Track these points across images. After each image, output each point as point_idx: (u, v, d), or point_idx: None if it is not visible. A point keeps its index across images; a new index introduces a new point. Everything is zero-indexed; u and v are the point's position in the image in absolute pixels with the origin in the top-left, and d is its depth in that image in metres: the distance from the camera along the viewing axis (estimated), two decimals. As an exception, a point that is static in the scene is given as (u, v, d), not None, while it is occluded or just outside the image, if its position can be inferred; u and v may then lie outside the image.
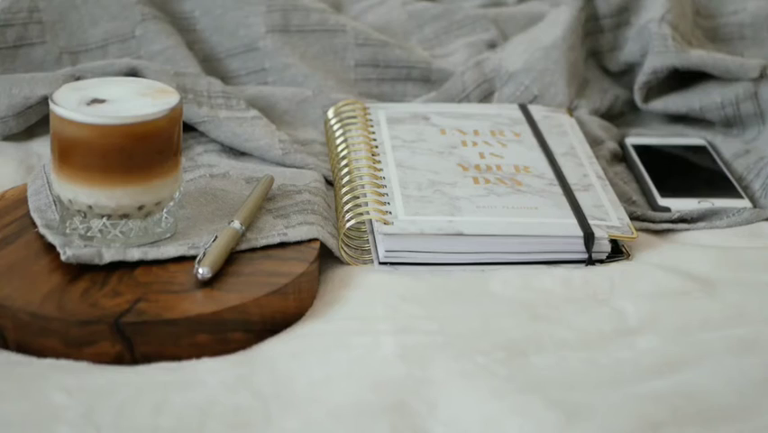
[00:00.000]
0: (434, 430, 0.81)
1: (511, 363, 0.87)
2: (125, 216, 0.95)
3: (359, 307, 0.94)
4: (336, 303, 0.95)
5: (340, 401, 0.83)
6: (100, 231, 0.95)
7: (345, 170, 1.08)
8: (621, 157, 1.22)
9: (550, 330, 0.92)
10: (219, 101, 1.19)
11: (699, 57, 1.24)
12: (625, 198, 1.12)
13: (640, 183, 1.17)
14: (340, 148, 1.13)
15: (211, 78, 1.22)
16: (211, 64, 1.29)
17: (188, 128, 1.17)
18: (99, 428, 0.80)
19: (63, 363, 0.87)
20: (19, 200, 1.02)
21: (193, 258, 0.95)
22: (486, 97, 1.27)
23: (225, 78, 1.28)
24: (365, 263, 1.00)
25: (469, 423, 0.81)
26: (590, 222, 1.01)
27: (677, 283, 0.98)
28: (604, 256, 1.01)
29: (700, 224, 1.09)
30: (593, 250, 1.01)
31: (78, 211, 0.95)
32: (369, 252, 1.01)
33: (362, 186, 1.05)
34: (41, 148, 1.16)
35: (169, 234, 0.97)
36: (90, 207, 0.94)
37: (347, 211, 1.02)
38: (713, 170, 1.18)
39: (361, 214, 1.01)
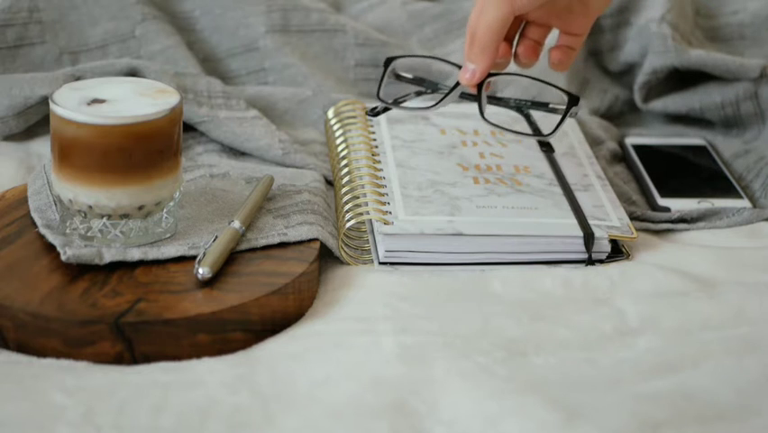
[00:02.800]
0: (434, 430, 0.81)
1: (511, 363, 0.87)
2: (125, 216, 0.95)
3: (359, 307, 0.94)
4: (336, 303, 0.95)
5: (340, 401, 0.83)
6: (100, 231, 0.95)
7: (345, 170, 1.08)
8: (621, 157, 1.22)
9: (550, 330, 0.92)
10: (219, 101, 1.19)
11: (698, 57, 1.24)
12: (625, 198, 1.12)
13: (640, 183, 1.17)
14: (340, 148, 1.13)
15: (211, 78, 1.22)
16: (211, 64, 1.29)
17: (188, 128, 1.17)
18: (99, 428, 0.80)
19: (63, 363, 0.87)
20: (19, 200, 1.02)
21: (193, 258, 0.95)
22: (486, 97, 1.27)
23: (225, 78, 1.28)
24: (365, 263, 1.00)
25: (469, 423, 0.81)
26: (590, 222, 1.02)
27: (677, 283, 0.98)
28: (604, 256, 1.01)
29: (700, 224, 1.09)
30: (593, 250, 1.01)
31: (79, 211, 0.95)
32: (369, 252, 1.01)
33: (362, 186, 1.05)
34: (41, 148, 1.16)
35: (169, 235, 0.97)
36: (90, 207, 0.94)
37: (347, 211, 1.02)
38: (713, 170, 1.18)
39: (361, 214, 1.01)
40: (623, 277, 0.99)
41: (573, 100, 1.02)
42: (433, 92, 1.09)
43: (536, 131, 1.02)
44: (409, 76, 1.11)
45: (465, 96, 1.06)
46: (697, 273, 1.00)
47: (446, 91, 1.05)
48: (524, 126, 1.18)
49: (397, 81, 1.18)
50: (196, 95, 1.18)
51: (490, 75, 1.03)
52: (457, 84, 1.04)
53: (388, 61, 1.09)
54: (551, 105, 1.06)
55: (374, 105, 1.08)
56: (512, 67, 1.07)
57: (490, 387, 0.84)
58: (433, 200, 1.03)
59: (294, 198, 1.04)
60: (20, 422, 0.80)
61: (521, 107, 1.06)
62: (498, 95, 1.07)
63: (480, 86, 1.03)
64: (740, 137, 1.25)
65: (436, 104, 1.05)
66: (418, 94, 1.09)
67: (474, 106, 1.23)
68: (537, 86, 1.25)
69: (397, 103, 1.07)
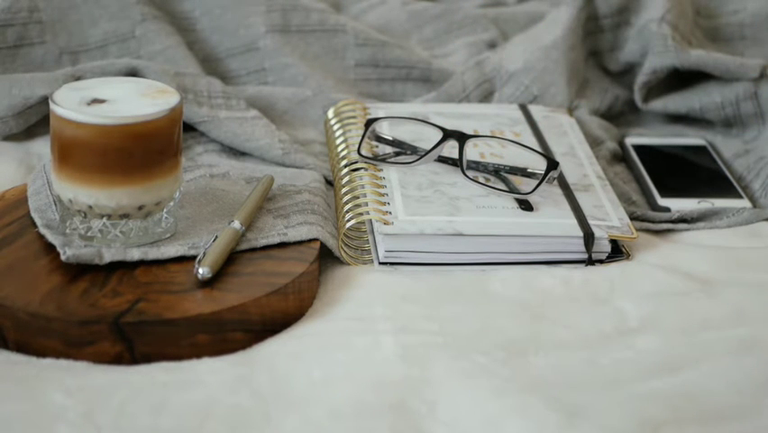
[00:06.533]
0: (434, 430, 0.81)
1: (511, 363, 0.87)
2: (125, 216, 0.95)
3: (359, 307, 0.94)
4: (336, 303, 0.95)
5: (340, 401, 0.83)
6: (100, 231, 0.95)
7: (345, 170, 1.08)
8: (621, 157, 1.22)
9: (550, 330, 0.92)
10: (219, 101, 1.19)
11: (698, 57, 1.24)
12: (625, 198, 1.12)
13: (640, 183, 1.17)
14: (340, 148, 1.13)
15: (211, 78, 1.22)
16: (211, 64, 1.29)
17: (188, 128, 1.17)
18: (99, 428, 0.80)
19: (63, 363, 0.87)
20: (19, 200, 1.02)
21: (193, 258, 0.95)
22: (486, 97, 1.27)
23: (225, 78, 1.28)
24: (365, 263, 1.00)
25: (469, 423, 0.81)
26: (590, 222, 1.02)
27: (677, 283, 0.98)
28: (604, 256, 1.01)
29: (700, 224, 1.09)
30: (593, 250, 1.01)
31: (78, 211, 0.95)
32: (369, 252, 1.01)
33: (362, 186, 1.05)
34: (41, 148, 1.16)
35: (169, 234, 0.97)
36: (90, 207, 0.94)
37: (347, 211, 1.02)
38: (713, 170, 1.18)
39: (361, 214, 1.01)
40: (623, 277, 0.99)
41: (552, 165, 1.03)
42: (411, 153, 1.10)
43: (514, 189, 1.04)
44: (389, 138, 1.12)
45: (443, 160, 1.08)
46: (697, 273, 1.00)
47: (422, 154, 1.07)
48: (524, 127, 1.18)
49: (392, 81, 1.18)
50: (196, 95, 1.18)
51: (472, 136, 1.05)
52: (437, 144, 1.06)
53: (369, 122, 1.10)
54: (528, 170, 1.07)
55: (354, 161, 1.09)
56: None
57: (490, 387, 0.84)
58: (433, 200, 1.03)
59: (294, 198, 1.04)
60: (20, 422, 0.80)
61: (499, 171, 1.07)
62: (478, 159, 1.08)
63: (461, 147, 1.04)
64: (740, 137, 1.25)
65: (417, 160, 1.07)
66: (397, 154, 1.11)
67: (473, 106, 1.24)
68: (538, 85, 1.25)
69: (377, 159, 1.08)
